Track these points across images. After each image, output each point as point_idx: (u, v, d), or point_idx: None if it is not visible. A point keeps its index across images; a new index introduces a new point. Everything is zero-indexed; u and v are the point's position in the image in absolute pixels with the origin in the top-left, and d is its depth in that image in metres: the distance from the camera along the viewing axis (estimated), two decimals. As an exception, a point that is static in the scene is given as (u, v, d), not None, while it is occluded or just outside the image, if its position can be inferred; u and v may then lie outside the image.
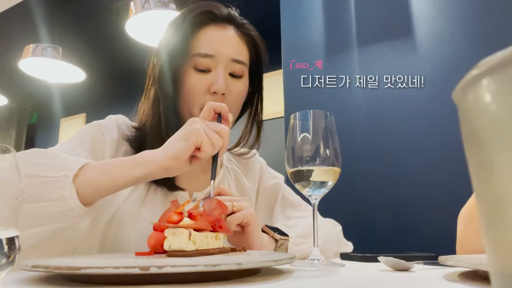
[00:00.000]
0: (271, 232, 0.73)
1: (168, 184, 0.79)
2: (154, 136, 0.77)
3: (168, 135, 0.74)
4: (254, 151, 0.98)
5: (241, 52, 0.82)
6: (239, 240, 0.68)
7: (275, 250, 0.71)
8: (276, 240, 0.72)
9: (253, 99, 0.90)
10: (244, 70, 0.83)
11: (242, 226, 0.68)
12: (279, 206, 0.94)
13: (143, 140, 0.80)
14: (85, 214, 0.59)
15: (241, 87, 0.82)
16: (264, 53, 0.88)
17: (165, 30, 0.84)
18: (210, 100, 0.75)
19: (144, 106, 0.83)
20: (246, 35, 0.84)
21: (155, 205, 0.77)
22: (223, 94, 0.77)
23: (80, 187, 0.58)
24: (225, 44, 0.80)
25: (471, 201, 0.78)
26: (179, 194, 0.79)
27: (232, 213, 0.67)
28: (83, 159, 0.62)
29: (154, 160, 0.62)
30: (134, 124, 0.83)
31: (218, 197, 0.66)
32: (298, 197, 0.97)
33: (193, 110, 0.79)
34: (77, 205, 0.57)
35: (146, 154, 0.64)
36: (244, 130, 0.89)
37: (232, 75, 0.81)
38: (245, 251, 0.60)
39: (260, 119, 0.90)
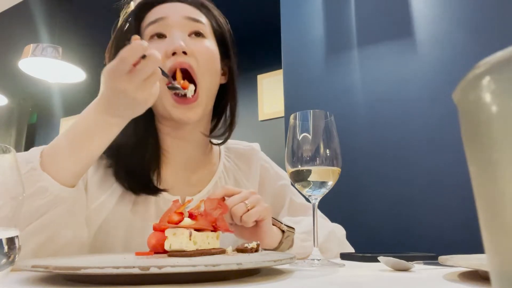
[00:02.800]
0: (278, 223, 0.71)
1: (155, 190, 0.74)
2: (125, 140, 0.71)
3: (139, 141, 0.72)
4: (255, 145, 0.94)
5: (197, 14, 0.76)
6: (254, 233, 0.67)
7: (281, 240, 0.70)
8: (283, 232, 0.70)
9: (227, 90, 0.82)
10: (206, 31, 0.76)
11: (257, 221, 0.67)
12: (286, 211, 0.88)
13: (116, 145, 0.71)
14: (73, 196, 0.58)
15: (207, 45, 0.74)
16: (226, 26, 0.82)
17: (113, 31, 0.78)
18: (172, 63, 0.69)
19: None
20: (201, 6, 0.78)
21: (146, 213, 0.73)
22: (184, 53, 0.70)
23: (54, 172, 0.56)
24: (176, 7, 0.75)
25: None
26: (170, 199, 0.72)
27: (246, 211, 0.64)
28: (36, 148, 0.60)
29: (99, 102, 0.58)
30: None
31: (227, 199, 0.64)
32: (303, 200, 0.92)
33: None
34: (61, 190, 0.56)
35: (89, 109, 0.59)
36: (221, 113, 0.84)
37: (193, 34, 0.74)
38: (258, 249, 0.60)
39: (235, 110, 0.83)
